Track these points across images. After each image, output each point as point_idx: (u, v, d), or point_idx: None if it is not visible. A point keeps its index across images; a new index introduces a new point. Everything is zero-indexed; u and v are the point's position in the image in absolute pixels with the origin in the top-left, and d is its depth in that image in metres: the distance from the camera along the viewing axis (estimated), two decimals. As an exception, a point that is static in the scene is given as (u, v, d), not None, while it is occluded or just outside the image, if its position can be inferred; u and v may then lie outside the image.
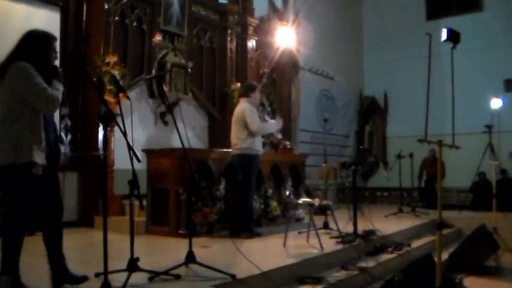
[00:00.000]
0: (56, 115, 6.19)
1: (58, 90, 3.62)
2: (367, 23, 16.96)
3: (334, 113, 14.80)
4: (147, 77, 5.01)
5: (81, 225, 7.52)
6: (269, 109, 10.94)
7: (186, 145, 4.89)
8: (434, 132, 13.69)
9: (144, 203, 6.97)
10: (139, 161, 3.65)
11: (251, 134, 6.72)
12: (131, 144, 3.74)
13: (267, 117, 8.04)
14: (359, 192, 13.09)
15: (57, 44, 6.77)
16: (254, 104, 7.05)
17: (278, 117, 7.30)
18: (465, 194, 13.85)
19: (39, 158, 3.52)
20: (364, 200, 13.75)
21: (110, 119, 3.52)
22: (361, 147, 8.07)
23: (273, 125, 7.22)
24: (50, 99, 3.50)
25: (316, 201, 6.12)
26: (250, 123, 6.67)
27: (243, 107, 6.83)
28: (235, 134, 6.83)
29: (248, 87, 7.12)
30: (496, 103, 11.72)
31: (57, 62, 6.94)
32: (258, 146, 6.88)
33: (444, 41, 4.62)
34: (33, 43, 3.66)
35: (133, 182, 3.88)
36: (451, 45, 4.65)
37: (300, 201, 6.53)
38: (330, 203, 6.40)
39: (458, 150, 13.68)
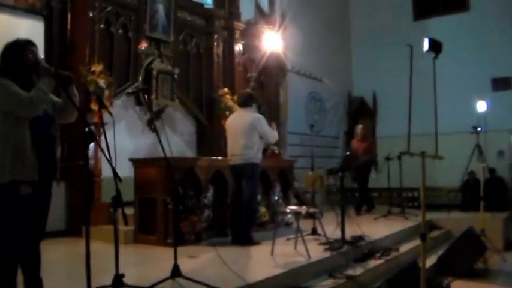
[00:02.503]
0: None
1: (38, 89, 3.45)
2: (354, 24, 16.99)
3: (323, 114, 14.82)
4: (129, 91, 4.98)
5: (70, 235, 7.48)
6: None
7: (169, 154, 4.84)
8: (423, 131, 13.74)
9: (132, 211, 7.08)
10: (120, 181, 3.60)
11: (263, 144, 6.91)
12: (113, 161, 3.71)
13: None
14: (349, 193, 13.12)
15: (40, 50, 6.81)
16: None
17: (273, 125, 7.29)
18: (455, 193, 13.90)
19: (25, 174, 3.40)
20: (354, 201, 13.74)
21: (90, 139, 3.48)
22: (347, 153, 8.07)
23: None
24: (22, 102, 3.37)
25: (303, 209, 6.12)
26: (270, 134, 6.88)
27: (256, 117, 6.84)
28: (244, 144, 6.73)
29: (249, 97, 7.15)
30: (481, 106, 11.76)
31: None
32: (260, 154, 6.94)
33: (426, 51, 4.62)
34: (5, 55, 3.59)
35: (117, 198, 3.86)
36: (433, 56, 4.64)
37: (287, 210, 6.52)
38: (317, 211, 6.40)
39: (448, 149, 13.79)
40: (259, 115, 6.97)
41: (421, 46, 15.14)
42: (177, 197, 4.98)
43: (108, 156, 3.63)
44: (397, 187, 11.36)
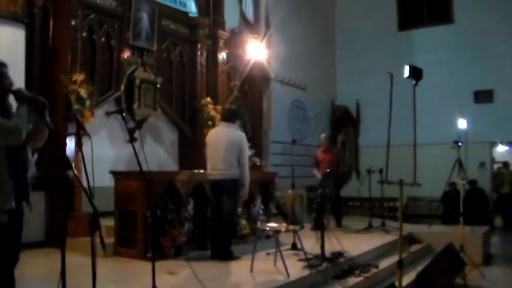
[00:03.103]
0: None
1: (20, 116, 3.38)
2: (339, 34, 17.08)
3: (307, 123, 14.84)
4: (108, 112, 4.95)
5: (49, 246, 7.37)
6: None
7: (150, 165, 4.80)
8: (405, 141, 13.79)
9: (112, 223, 7.02)
10: (96, 210, 3.53)
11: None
12: (91, 178, 3.65)
13: None
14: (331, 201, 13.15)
15: (21, 58, 6.72)
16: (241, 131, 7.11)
17: None
18: (436, 203, 14.00)
19: (3, 204, 3.35)
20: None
21: (66, 167, 3.43)
22: (327, 170, 8.08)
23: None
24: (6, 131, 3.27)
25: (283, 227, 6.10)
26: (245, 156, 6.81)
27: (241, 135, 6.83)
28: (226, 159, 6.70)
29: (234, 113, 7.14)
30: (462, 123, 11.86)
31: (22, 83, 6.98)
32: (237, 170, 6.85)
33: (407, 77, 4.64)
34: None
35: (94, 222, 3.80)
36: (413, 82, 4.66)
37: (267, 227, 6.50)
38: (297, 228, 6.38)
39: (429, 160, 13.87)
40: (243, 133, 6.95)
41: (405, 56, 15.31)
42: (157, 211, 4.90)
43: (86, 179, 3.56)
44: (379, 197, 11.41)
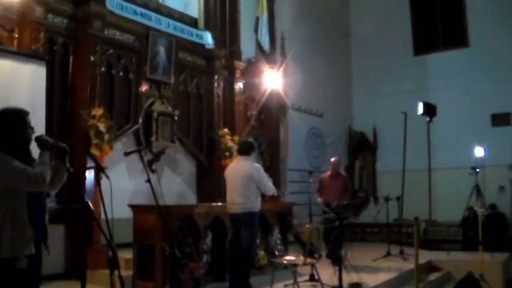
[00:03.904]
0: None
1: (44, 163, 3.50)
2: (355, 59, 17.14)
3: (324, 150, 14.88)
4: (126, 152, 5.09)
5: (69, 278, 7.45)
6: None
7: (167, 197, 4.88)
8: (423, 166, 13.79)
9: (130, 255, 7.10)
10: (114, 252, 3.62)
11: (262, 195, 6.89)
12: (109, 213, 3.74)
13: None
14: (350, 228, 13.13)
15: (42, 94, 6.85)
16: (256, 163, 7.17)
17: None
18: (456, 228, 13.88)
19: (24, 249, 3.43)
20: (355, 237, 13.76)
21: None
22: (345, 202, 8.09)
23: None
24: (32, 179, 3.39)
25: (300, 260, 6.14)
26: (267, 185, 6.85)
27: (254, 167, 6.88)
28: (242, 193, 6.77)
29: (250, 146, 7.18)
30: (479, 151, 11.82)
31: (42, 118, 7.15)
32: (259, 203, 6.95)
33: (421, 114, 4.68)
34: (5, 126, 3.57)
35: (113, 261, 3.88)
36: (427, 119, 4.70)
37: (285, 261, 6.54)
38: (314, 261, 6.41)
39: (448, 184, 13.77)
40: (258, 165, 7.03)
41: (421, 81, 15.20)
42: (175, 246, 4.98)
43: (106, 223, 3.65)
44: (396, 223, 11.39)
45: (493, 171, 13.62)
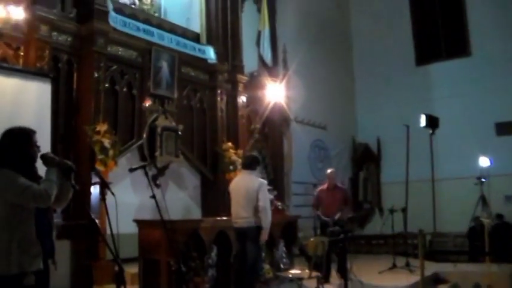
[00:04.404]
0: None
1: (49, 180, 3.54)
2: (357, 71, 17.19)
3: (328, 162, 14.86)
4: (131, 168, 5.12)
5: (74, 293, 7.51)
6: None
7: (173, 212, 4.91)
8: (426, 177, 13.73)
9: (136, 270, 7.12)
10: (121, 267, 3.65)
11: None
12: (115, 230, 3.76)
13: None
14: (355, 240, 13.10)
15: (47, 111, 6.91)
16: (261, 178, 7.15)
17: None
18: (462, 239, 13.84)
19: (32, 265, 3.45)
20: (360, 249, 13.73)
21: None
22: (349, 215, 8.05)
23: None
24: (37, 195, 3.42)
25: (306, 274, 6.15)
26: (265, 202, 6.74)
27: (260, 183, 6.84)
28: (247, 207, 6.77)
29: (255, 160, 7.19)
30: (484, 162, 11.77)
31: (48, 134, 7.20)
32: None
33: (423, 127, 4.70)
34: (12, 145, 3.60)
35: (120, 276, 3.90)
36: (430, 131, 4.72)
37: (290, 275, 6.55)
38: (320, 274, 6.42)
39: (454, 195, 13.70)
40: (263, 181, 6.99)
41: (423, 91, 15.18)
42: (180, 261, 5.01)
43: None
44: (402, 233, 11.35)
45: (498, 180, 13.55)
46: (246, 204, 6.76)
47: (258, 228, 6.76)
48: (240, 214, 6.85)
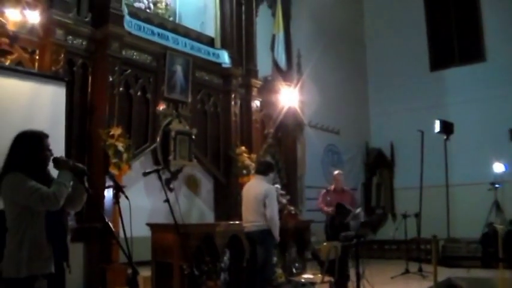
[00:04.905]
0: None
1: (60, 183, 3.55)
2: (371, 76, 17.14)
3: (341, 167, 14.80)
4: (145, 172, 5.15)
5: (87, 296, 7.55)
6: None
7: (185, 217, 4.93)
8: (439, 182, 13.64)
9: (149, 273, 7.16)
10: (135, 269, 3.68)
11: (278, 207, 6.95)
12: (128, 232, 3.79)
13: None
14: (367, 245, 13.05)
15: (62, 114, 6.94)
16: (272, 184, 7.15)
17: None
18: (475, 245, 13.73)
19: (42, 268, 3.47)
20: (373, 254, 13.67)
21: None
22: (362, 220, 7.96)
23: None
24: (45, 198, 3.44)
25: (318, 278, 6.15)
26: (273, 210, 6.75)
27: (267, 190, 6.85)
28: (256, 211, 6.82)
29: (268, 167, 7.23)
30: (498, 167, 11.68)
31: (62, 138, 7.25)
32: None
33: (437, 132, 4.68)
34: (24, 148, 3.64)
35: (133, 279, 3.94)
36: (444, 137, 4.70)
37: (302, 279, 6.56)
38: (332, 279, 6.42)
39: (467, 201, 13.60)
40: (273, 187, 7.03)
41: (437, 96, 15.05)
42: (193, 265, 5.04)
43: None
44: (415, 238, 11.30)
45: (512, 186, 13.46)
46: (254, 209, 6.82)
47: (265, 232, 6.78)
48: (248, 218, 6.92)
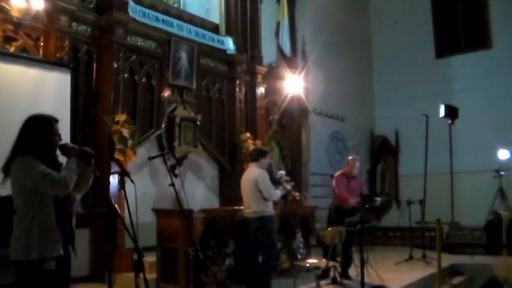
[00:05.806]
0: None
1: (69, 169, 3.59)
2: (376, 63, 17.06)
3: (346, 154, 14.83)
4: (150, 157, 5.18)
5: (94, 281, 7.58)
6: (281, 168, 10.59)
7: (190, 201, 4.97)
8: (445, 170, 13.62)
9: (154, 259, 7.20)
10: (141, 253, 3.71)
11: (264, 199, 6.93)
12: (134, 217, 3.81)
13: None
14: (372, 232, 13.09)
15: (66, 100, 6.97)
16: (263, 168, 7.17)
17: (281, 188, 7.37)
18: (479, 232, 13.75)
19: (51, 251, 3.51)
20: (377, 241, 13.71)
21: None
22: (367, 206, 7.92)
23: (279, 193, 7.29)
24: (56, 183, 3.47)
25: (323, 263, 6.19)
26: (268, 191, 6.91)
27: (256, 174, 6.98)
28: (250, 197, 6.99)
29: (259, 153, 7.32)
30: (503, 154, 11.66)
31: (67, 124, 7.27)
32: (270, 206, 7.03)
33: (442, 117, 4.68)
34: (34, 131, 3.65)
35: (139, 263, 3.96)
36: (449, 121, 4.70)
37: (307, 264, 6.60)
38: (337, 264, 6.45)
39: (471, 188, 13.59)
40: (261, 171, 7.07)
41: (443, 83, 14.97)
42: (198, 250, 5.07)
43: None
44: (419, 226, 11.32)
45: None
46: (249, 196, 6.98)
47: (262, 219, 6.89)
48: (245, 204, 7.08)
